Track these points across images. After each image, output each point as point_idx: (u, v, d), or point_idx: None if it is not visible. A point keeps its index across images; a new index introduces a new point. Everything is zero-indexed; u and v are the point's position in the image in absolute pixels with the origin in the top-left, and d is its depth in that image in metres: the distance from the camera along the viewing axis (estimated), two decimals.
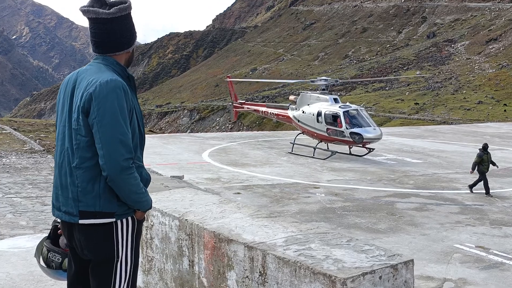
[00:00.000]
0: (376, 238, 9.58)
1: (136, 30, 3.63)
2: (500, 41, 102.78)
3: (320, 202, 12.58)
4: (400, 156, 20.53)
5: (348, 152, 20.64)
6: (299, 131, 22.34)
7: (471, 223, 10.78)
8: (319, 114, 20.35)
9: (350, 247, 3.36)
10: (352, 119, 19.38)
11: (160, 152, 20.87)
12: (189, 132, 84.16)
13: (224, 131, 76.98)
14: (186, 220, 4.31)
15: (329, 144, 20.91)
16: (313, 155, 20.16)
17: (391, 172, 17.06)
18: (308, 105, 21.43)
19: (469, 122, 51.78)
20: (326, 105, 20.49)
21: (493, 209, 12.06)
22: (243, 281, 3.66)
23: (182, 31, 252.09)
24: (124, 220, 3.41)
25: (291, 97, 24.09)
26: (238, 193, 13.52)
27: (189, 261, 4.28)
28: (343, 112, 19.51)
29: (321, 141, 20.82)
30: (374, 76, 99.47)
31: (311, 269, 3.05)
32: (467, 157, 19.99)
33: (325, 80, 22.47)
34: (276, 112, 24.65)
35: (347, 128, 19.19)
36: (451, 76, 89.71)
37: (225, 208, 4.58)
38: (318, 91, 22.20)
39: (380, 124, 53.30)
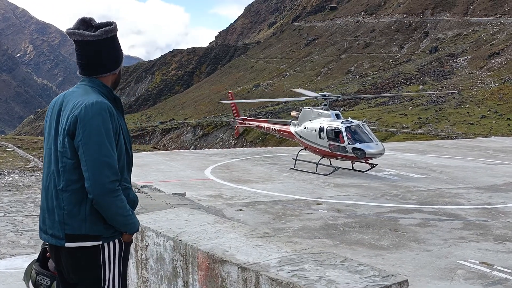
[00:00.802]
0: (379, 254, 9.49)
1: (122, 51, 3.60)
2: (502, 55, 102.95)
3: (323, 218, 12.49)
4: (403, 171, 20.44)
5: (351, 168, 20.56)
6: (301, 147, 22.27)
7: (474, 238, 10.67)
8: (321, 129, 20.27)
9: (344, 268, 3.31)
10: (354, 135, 19.29)
11: (163, 169, 20.83)
12: (193, 149, 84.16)
13: (227, 147, 76.98)
14: (180, 240, 4.27)
15: (331, 159, 20.82)
16: (316, 171, 20.08)
17: (394, 187, 16.96)
18: (310, 120, 21.36)
19: (472, 137, 51.65)
20: (328, 121, 20.42)
21: (497, 224, 11.95)
22: None
23: (185, 48, 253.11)
24: (111, 243, 3.38)
25: (293, 113, 23.99)
26: (241, 209, 13.43)
27: (184, 282, 4.23)
28: (345, 127, 19.43)
29: (323, 157, 20.74)
30: (377, 91, 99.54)
31: None
32: (470, 172, 19.89)
33: (325, 95, 22.40)
34: (278, 128, 24.54)
35: (349, 144, 19.09)
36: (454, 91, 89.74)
37: (220, 228, 4.53)
38: (319, 107, 22.12)
39: (383, 139, 53.28)
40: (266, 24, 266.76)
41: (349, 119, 20.53)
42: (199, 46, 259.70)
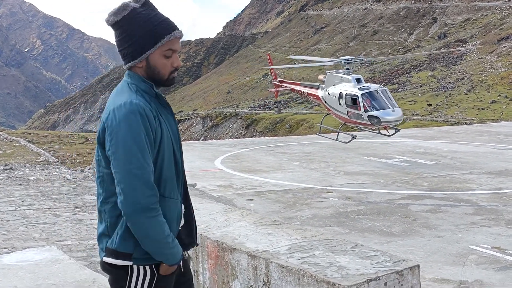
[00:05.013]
0: (391, 241, 9.48)
1: (149, 35, 2.95)
2: (511, 40, 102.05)
3: (334, 206, 12.48)
4: (413, 158, 20.35)
5: (377, 132, 20.32)
6: (327, 112, 22.20)
7: (486, 223, 10.63)
8: (340, 96, 20.01)
9: (355, 254, 3.29)
10: (371, 101, 18.80)
11: None
12: (203, 140, 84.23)
13: (237, 138, 76.95)
14: None
15: (352, 126, 21.01)
16: (337, 138, 20.35)
17: (405, 174, 16.91)
18: (334, 85, 21.10)
19: (483, 122, 51.33)
20: (348, 86, 20.02)
21: (509, 209, 11.89)
22: None
23: (193, 39, 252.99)
24: (141, 269, 2.84)
25: (320, 76, 23.55)
26: (251, 199, 13.45)
27: (194, 271, 4.22)
28: (361, 94, 18.98)
29: (344, 123, 20.68)
30: (386, 78, 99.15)
31: (315, 277, 2.98)
32: (481, 157, 19.79)
33: (348, 59, 21.94)
34: (308, 92, 24.24)
35: (365, 111, 18.72)
36: (464, 76, 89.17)
37: (229, 217, 4.52)
38: (341, 71, 21.67)
39: None
40: (273, 14, 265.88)
41: (368, 84, 20.09)
42: (207, 37, 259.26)
